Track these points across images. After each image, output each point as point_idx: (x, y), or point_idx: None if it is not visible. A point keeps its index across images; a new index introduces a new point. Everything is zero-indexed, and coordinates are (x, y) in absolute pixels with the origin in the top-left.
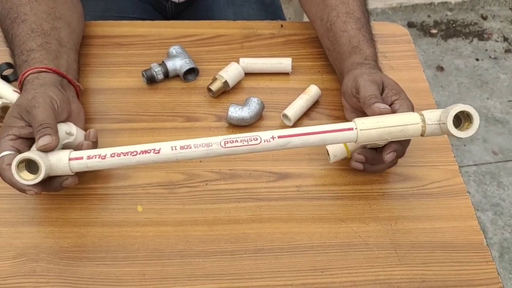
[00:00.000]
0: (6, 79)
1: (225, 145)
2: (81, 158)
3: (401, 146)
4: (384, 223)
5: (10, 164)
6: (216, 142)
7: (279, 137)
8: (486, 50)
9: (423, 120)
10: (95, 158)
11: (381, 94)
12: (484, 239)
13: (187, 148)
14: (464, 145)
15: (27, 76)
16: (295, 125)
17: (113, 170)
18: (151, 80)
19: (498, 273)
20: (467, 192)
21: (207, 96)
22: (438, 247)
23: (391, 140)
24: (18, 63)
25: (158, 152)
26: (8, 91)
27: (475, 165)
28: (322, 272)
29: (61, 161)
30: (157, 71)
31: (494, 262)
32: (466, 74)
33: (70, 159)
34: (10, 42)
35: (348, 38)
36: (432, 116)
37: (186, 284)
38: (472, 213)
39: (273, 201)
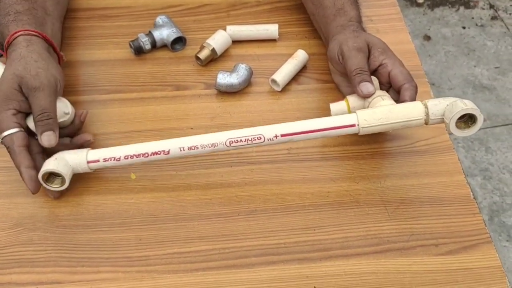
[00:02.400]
0: None
1: (230, 144)
2: (98, 161)
3: (414, 96)
4: (373, 181)
5: (22, 146)
6: (221, 142)
7: (282, 135)
8: (473, 18)
9: (427, 114)
10: (111, 160)
11: (369, 55)
12: (471, 192)
13: (194, 149)
14: None
15: (17, 37)
16: (283, 90)
17: None
18: (138, 51)
19: (485, 224)
20: (453, 148)
21: (195, 65)
22: (426, 201)
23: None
24: (3, 22)
25: (168, 153)
26: None
27: None
28: (314, 230)
29: (80, 166)
30: (144, 41)
31: (481, 215)
32: (453, 42)
33: (88, 162)
34: None
35: (332, 1)
36: (437, 110)
37: (182, 246)
38: (458, 168)
39: (264, 164)
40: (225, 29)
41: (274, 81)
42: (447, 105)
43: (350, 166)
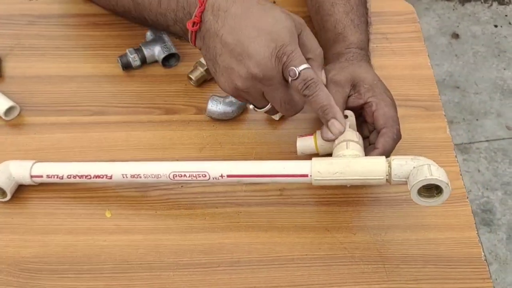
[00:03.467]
0: None
1: (173, 178)
2: (42, 176)
3: (389, 145)
4: (373, 233)
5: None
6: (165, 175)
7: (228, 176)
8: (506, 15)
9: (389, 174)
10: (54, 177)
11: (354, 90)
12: (483, 253)
13: (137, 177)
14: (477, 120)
15: None
16: (282, 118)
17: None
18: (126, 67)
19: None
20: (467, 198)
21: (188, 85)
22: (431, 261)
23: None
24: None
25: (110, 178)
26: None
27: (487, 141)
28: None
29: (24, 179)
30: (133, 57)
31: (491, 280)
32: (483, 42)
33: (31, 176)
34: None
35: (333, 23)
36: (400, 172)
37: None
38: (471, 222)
39: (253, 207)
40: None
41: None
42: (414, 167)
43: (349, 213)
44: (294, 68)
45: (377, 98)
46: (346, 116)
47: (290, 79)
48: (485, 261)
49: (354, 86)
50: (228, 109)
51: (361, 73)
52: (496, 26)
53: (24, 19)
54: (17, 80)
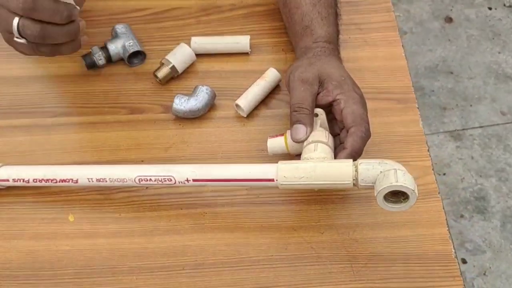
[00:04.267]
0: None
1: (139, 182)
2: (8, 180)
3: (358, 144)
4: (341, 231)
5: None
6: (130, 179)
7: (194, 180)
8: None
9: (356, 178)
10: (20, 181)
11: (322, 88)
12: (453, 250)
13: (103, 181)
14: (470, 105)
15: None
16: (251, 115)
17: None
18: (91, 66)
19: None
20: (438, 193)
21: (155, 83)
22: (400, 259)
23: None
24: None
25: (76, 182)
26: None
27: (480, 127)
28: None
29: None
30: (97, 55)
31: (462, 278)
32: (477, 25)
33: None
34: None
35: (300, 16)
36: (367, 176)
37: None
38: (442, 218)
39: (219, 207)
40: (190, 40)
41: (238, 106)
42: (380, 172)
43: (316, 212)
44: None
45: (345, 95)
46: (316, 115)
47: None
48: (455, 258)
49: (322, 83)
50: (194, 107)
51: (328, 69)
52: (490, 8)
53: None
54: None
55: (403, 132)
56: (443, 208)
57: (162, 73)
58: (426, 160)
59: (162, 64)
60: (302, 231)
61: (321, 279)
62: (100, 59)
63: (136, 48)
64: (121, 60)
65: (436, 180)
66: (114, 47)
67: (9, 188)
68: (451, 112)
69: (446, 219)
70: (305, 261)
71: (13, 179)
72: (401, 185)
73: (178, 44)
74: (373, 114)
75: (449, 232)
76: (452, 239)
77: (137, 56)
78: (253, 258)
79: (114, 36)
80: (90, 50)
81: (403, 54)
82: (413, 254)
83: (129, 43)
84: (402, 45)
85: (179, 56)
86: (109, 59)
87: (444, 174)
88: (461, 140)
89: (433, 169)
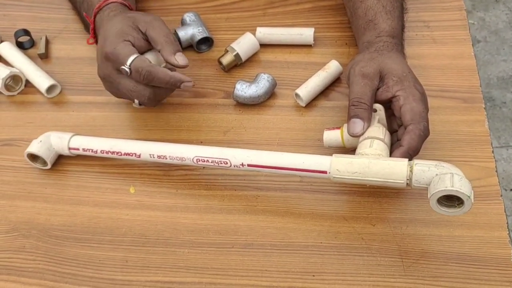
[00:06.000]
0: (22, 46)
1: (197, 162)
2: (78, 149)
3: (415, 142)
4: (393, 225)
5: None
6: (189, 158)
7: (249, 165)
8: None
9: (410, 179)
10: (89, 151)
11: (382, 83)
12: None
13: (162, 158)
14: None
15: (109, 3)
16: (309, 105)
17: None
18: None
19: None
20: (500, 196)
21: (219, 70)
22: (453, 258)
23: (402, 134)
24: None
25: (139, 157)
26: (19, 60)
27: None
28: (313, 276)
29: (63, 150)
30: None
31: None
32: None
33: (69, 149)
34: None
35: (364, 10)
36: (422, 178)
37: (167, 275)
38: (502, 221)
39: (272, 191)
40: (255, 31)
41: (298, 95)
42: (436, 174)
43: (369, 204)
44: (123, 67)
45: (405, 92)
46: (375, 110)
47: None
48: None
49: (383, 78)
50: (255, 93)
51: (390, 65)
52: None
53: None
54: (61, 61)
55: (466, 131)
56: (505, 211)
57: (226, 60)
58: (490, 162)
59: (226, 52)
60: (353, 222)
61: (369, 270)
62: None
63: (205, 34)
64: (189, 46)
65: (499, 182)
66: (184, 33)
67: (78, 157)
68: None
69: (507, 223)
70: (355, 251)
71: (83, 149)
72: (456, 190)
73: (244, 33)
74: (436, 112)
75: (510, 236)
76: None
77: (205, 42)
78: (302, 243)
79: (184, 23)
80: None
81: (473, 54)
82: (468, 255)
83: (199, 30)
84: (472, 47)
85: (244, 44)
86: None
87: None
88: None
89: (496, 171)
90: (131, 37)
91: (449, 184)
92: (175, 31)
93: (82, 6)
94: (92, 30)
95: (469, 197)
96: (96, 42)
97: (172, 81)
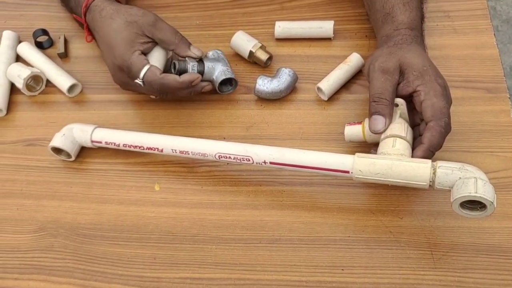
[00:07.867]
0: (41, 45)
1: (219, 158)
2: (101, 142)
3: (436, 139)
4: (421, 218)
5: (164, 73)
6: (211, 154)
7: (271, 163)
8: None
9: (433, 181)
10: (111, 144)
11: (403, 77)
12: None
13: (185, 154)
14: None
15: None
16: (331, 98)
17: None
18: (181, 73)
19: None
20: None
21: (238, 65)
22: (484, 250)
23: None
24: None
25: (161, 151)
26: (40, 59)
27: None
28: (342, 270)
29: (86, 143)
30: (192, 65)
31: None
32: None
33: (92, 141)
34: None
35: (382, 3)
36: (445, 181)
37: (195, 271)
38: None
39: (297, 186)
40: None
41: (320, 89)
42: (460, 178)
43: (396, 197)
44: (137, 81)
45: (426, 87)
46: (396, 105)
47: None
48: None
49: (403, 73)
50: (276, 88)
51: (410, 59)
52: None
53: None
54: (81, 60)
55: (491, 122)
56: None
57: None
58: None
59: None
60: (380, 215)
61: (399, 264)
62: (193, 69)
63: (230, 75)
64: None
65: None
66: (211, 66)
67: (102, 155)
68: None
69: None
70: (383, 244)
71: (105, 142)
72: (480, 197)
73: (264, 27)
74: (460, 102)
75: None
76: None
77: (227, 83)
78: (330, 237)
79: (210, 58)
80: (185, 59)
81: (495, 43)
82: (498, 246)
83: (227, 69)
84: (494, 36)
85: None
86: (201, 73)
87: None
88: None
89: None
90: (139, 46)
91: (473, 189)
92: (201, 60)
93: (70, 4)
94: (86, 29)
95: (492, 202)
96: (94, 38)
97: (183, 86)
